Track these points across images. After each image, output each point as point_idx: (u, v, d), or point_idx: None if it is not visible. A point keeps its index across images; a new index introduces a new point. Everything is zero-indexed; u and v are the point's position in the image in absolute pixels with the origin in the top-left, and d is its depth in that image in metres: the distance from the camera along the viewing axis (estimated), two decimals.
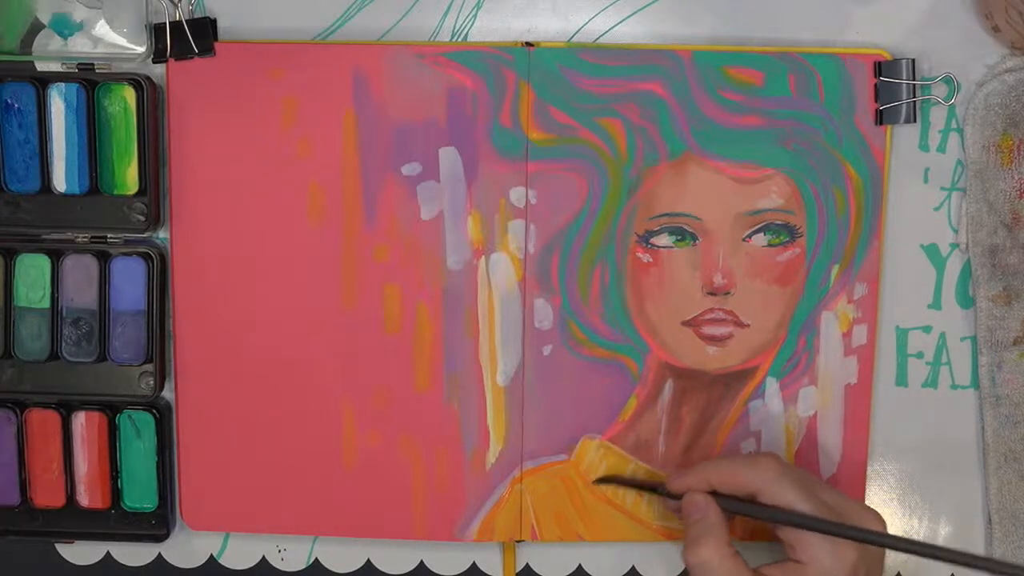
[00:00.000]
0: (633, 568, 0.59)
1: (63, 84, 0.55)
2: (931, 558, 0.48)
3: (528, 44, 0.55)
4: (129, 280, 0.56)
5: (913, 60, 0.55)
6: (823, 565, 0.49)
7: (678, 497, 0.53)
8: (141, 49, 0.55)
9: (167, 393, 0.58)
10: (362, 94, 0.55)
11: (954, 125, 0.57)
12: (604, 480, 0.57)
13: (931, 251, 0.58)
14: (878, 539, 0.49)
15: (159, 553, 0.59)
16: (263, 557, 0.59)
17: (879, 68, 0.55)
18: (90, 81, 0.55)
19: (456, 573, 0.59)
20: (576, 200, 0.56)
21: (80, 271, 0.56)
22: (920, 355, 0.58)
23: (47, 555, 0.59)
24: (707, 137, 0.55)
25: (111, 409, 0.57)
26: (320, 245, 0.56)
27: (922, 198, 0.57)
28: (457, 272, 0.56)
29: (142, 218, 0.56)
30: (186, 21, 0.55)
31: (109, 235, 0.56)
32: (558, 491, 0.57)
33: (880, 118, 0.55)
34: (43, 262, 0.56)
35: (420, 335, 0.56)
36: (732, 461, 0.52)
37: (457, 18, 0.56)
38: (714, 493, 0.52)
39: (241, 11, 0.56)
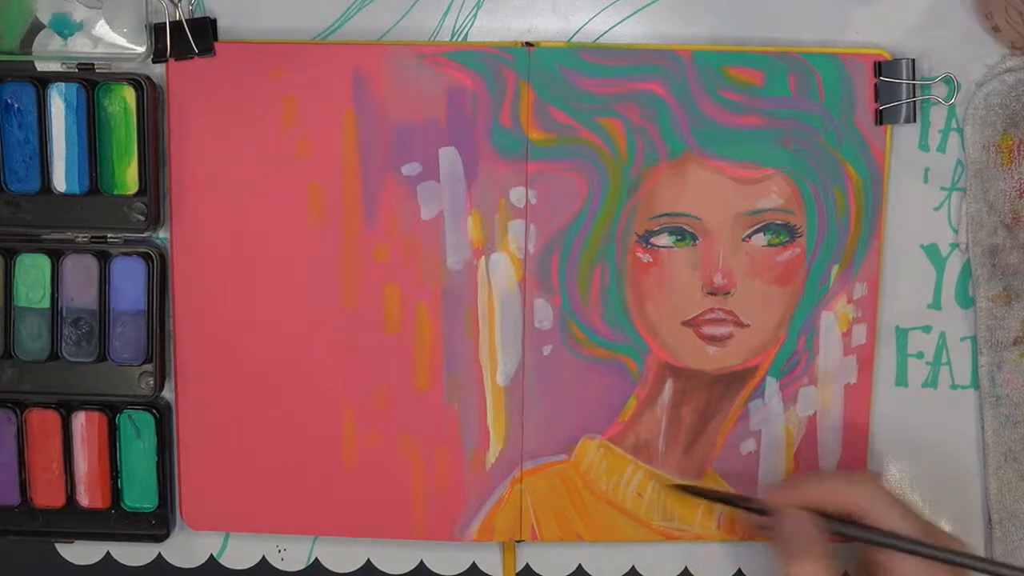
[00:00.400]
0: (633, 568, 0.59)
1: (63, 84, 0.55)
2: None
3: (528, 44, 0.55)
4: (129, 280, 0.56)
5: (913, 60, 0.55)
6: None
7: (764, 512, 0.53)
8: (141, 49, 0.55)
9: (167, 393, 0.58)
10: (362, 94, 0.55)
11: (954, 125, 0.57)
12: (683, 488, 0.57)
13: (931, 251, 0.58)
14: (990, 568, 0.48)
15: (159, 553, 0.59)
16: (263, 557, 0.59)
17: (879, 68, 0.55)
18: (90, 81, 0.55)
19: (456, 573, 0.59)
20: (576, 200, 0.56)
21: (80, 271, 0.56)
22: (920, 355, 0.58)
23: (47, 555, 0.59)
24: (707, 137, 0.55)
25: (111, 409, 0.57)
26: (320, 245, 0.56)
27: (922, 198, 0.57)
28: (457, 272, 0.56)
29: (142, 218, 0.56)
30: (186, 21, 0.55)
31: (109, 235, 0.56)
32: (558, 491, 0.57)
33: (880, 118, 0.55)
34: (43, 262, 0.56)
35: (420, 335, 0.56)
36: (833, 479, 0.52)
37: (457, 18, 0.56)
38: (819, 516, 0.51)
39: (241, 11, 0.56)
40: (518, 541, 0.58)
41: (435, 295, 0.56)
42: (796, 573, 0.49)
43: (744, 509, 0.54)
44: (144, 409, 0.57)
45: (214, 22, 0.55)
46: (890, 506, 0.50)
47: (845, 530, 0.51)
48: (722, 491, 0.57)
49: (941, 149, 0.57)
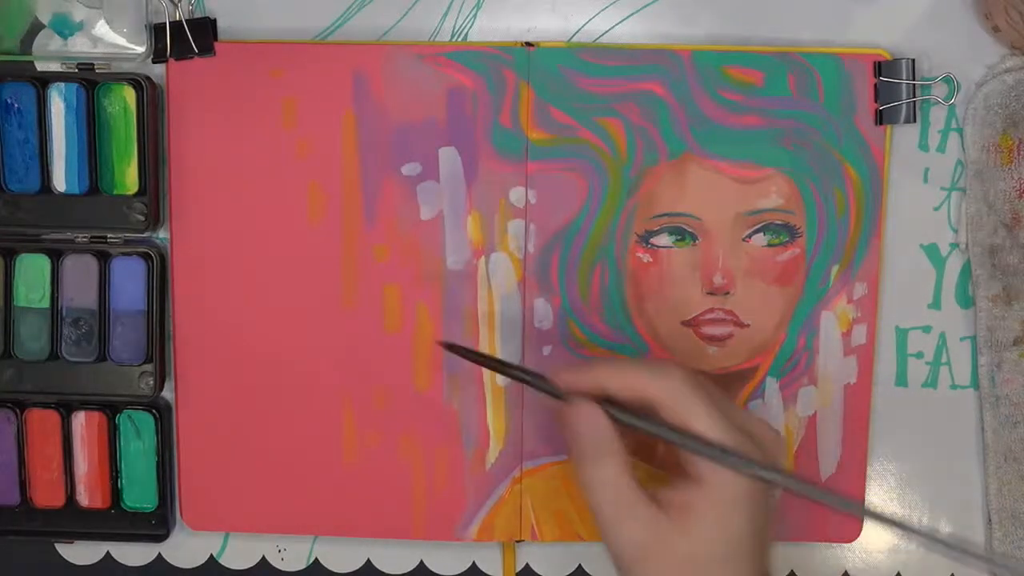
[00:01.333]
0: None
1: (63, 84, 0.55)
2: (839, 509, 0.43)
3: (528, 44, 0.55)
4: (129, 280, 0.56)
5: (913, 60, 0.55)
6: (722, 488, 0.44)
7: (560, 396, 0.47)
8: (141, 49, 0.55)
9: (167, 393, 0.58)
10: (362, 94, 0.55)
11: (954, 125, 0.57)
12: (455, 348, 0.51)
13: (931, 251, 0.58)
14: (785, 482, 0.44)
15: (159, 553, 0.59)
16: (263, 557, 0.59)
17: (879, 68, 0.55)
18: (90, 81, 0.55)
19: (456, 573, 0.59)
20: (576, 200, 0.56)
21: (80, 271, 0.56)
22: (920, 355, 0.58)
23: (47, 555, 0.59)
24: (707, 137, 0.55)
25: (111, 409, 0.57)
26: (320, 245, 0.56)
27: (922, 198, 0.57)
28: (457, 272, 0.56)
29: (142, 218, 0.56)
30: (186, 21, 0.55)
31: (109, 235, 0.56)
32: (558, 491, 0.57)
33: (880, 118, 0.55)
34: (43, 262, 0.56)
35: (420, 335, 0.56)
36: (635, 366, 0.47)
37: (457, 18, 0.56)
38: (607, 401, 0.46)
39: (241, 11, 0.56)
40: (518, 541, 0.58)
41: (435, 295, 0.56)
42: (589, 478, 0.45)
43: (531, 386, 0.48)
44: (144, 409, 0.57)
45: (214, 22, 0.55)
46: (695, 402, 0.44)
47: (639, 424, 0.46)
48: (501, 360, 0.52)
49: (941, 149, 0.57)
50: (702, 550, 0.45)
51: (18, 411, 0.57)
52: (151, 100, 0.55)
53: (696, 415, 0.45)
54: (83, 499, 0.58)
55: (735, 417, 0.46)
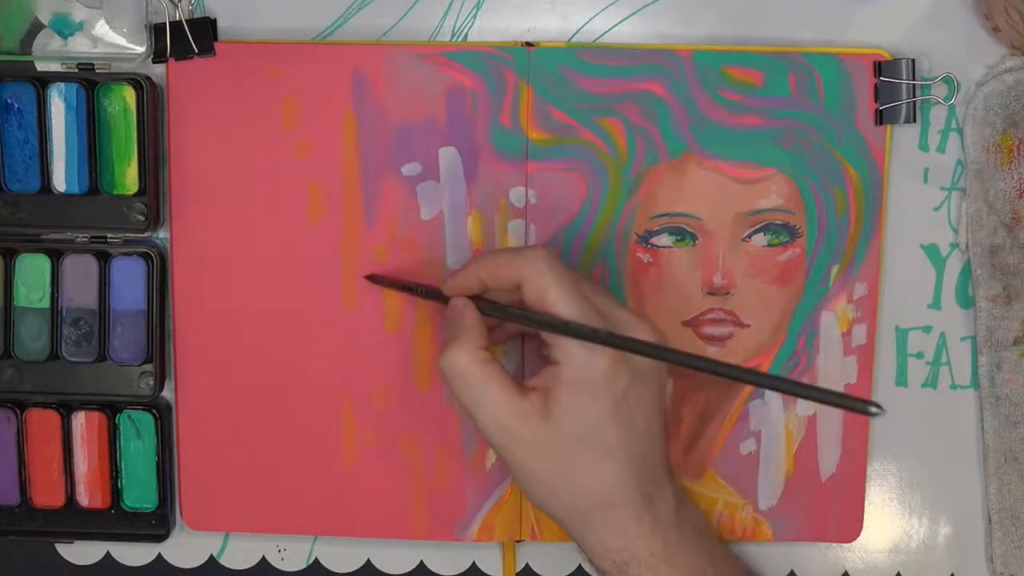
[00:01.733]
0: None
1: (63, 84, 0.55)
2: (706, 372, 0.43)
3: (528, 44, 0.55)
4: (129, 280, 0.56)
5: (913, 60, 0.55)
6: (575, 367, 0.46)
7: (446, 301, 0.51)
8: (141, 49, 0.55)
9: (167, 393, 0.58)
10: (362, 94, 0.55)
11: (954, 125, 0.57)
12: (374, 279, 0.55)
13: (931, 251, 0.58)
14: (623, 344, 0.45)
15: (159, 553, 0.59)
16: (263, 557, 0.59)
17: (879, 68, 0.55)
18: (90, 81, 0.55)
19: (456, 573, 0.59)
20: (576, 200, 0.56)
21: (80, 271, 0.56)
22: (920, 355, 0.58)
23: (47, 555, 0.59)
24: (707, 137, 0.55)
25: (111, 409, 0.57)
26: (320, 245, 0.56)
27: (922, 198, 0.57)
28: None
29: (142, 218, 0.56)
30: (186, 21, 0.55)
31: (109, 235, 0.56)
32: None
33: (880, 118, 0.55)
34: (43, 262, 0.56)
35: (420, 335, 0.56)
36: (504, 252, 0.50)
37: (457, 18, 0.56)
38: (479, 299, 0.50)
39: (241, 11, 0.56)
40: (518, 541, 0.58)
41: None
42: (441, 362, 0.48)
43: (431, 300, 0.52)
44: (144, 409, 0.57)
45: (214, 22, 0.55)
46: (548, 280, 0.47)
47: (505, 313, 0.49)
48: (413, 282, 0.54)
49: (941, 149, 0.57)
50: (564, 433, 0.47)
51: (18, 411, 0.57)
52: (151, 100, 0.55)
53: (548, 290, 0.47)
54: (83, 499, 0.58)
55: (596, 301, 0.48)
